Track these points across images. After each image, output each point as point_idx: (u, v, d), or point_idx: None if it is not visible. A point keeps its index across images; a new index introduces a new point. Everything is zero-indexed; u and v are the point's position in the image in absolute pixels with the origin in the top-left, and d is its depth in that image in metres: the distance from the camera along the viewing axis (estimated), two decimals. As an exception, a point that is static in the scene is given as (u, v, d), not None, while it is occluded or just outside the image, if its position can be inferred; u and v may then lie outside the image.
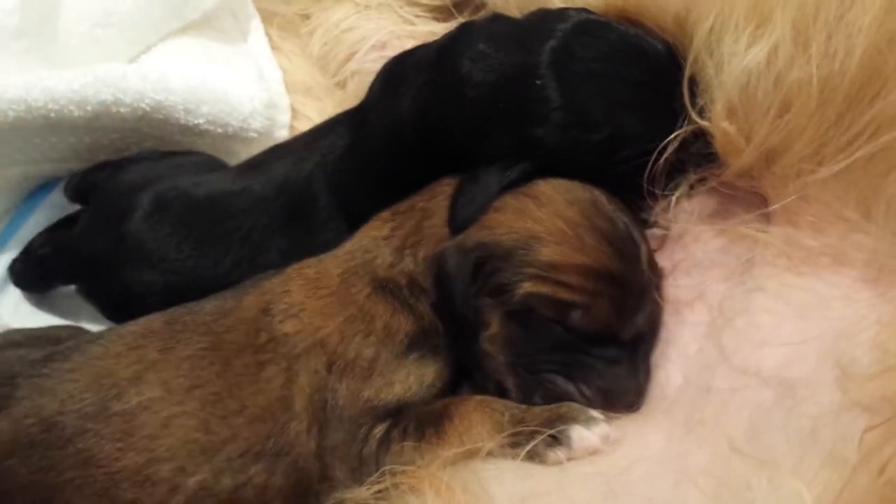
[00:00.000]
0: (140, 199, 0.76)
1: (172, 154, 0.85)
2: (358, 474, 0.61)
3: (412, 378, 0.64)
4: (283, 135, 0.90)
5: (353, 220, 0.72)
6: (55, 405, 0.62)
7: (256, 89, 0.88)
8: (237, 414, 0.62)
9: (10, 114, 0.78)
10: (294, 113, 0.92)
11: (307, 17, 0.98)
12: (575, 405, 0.59)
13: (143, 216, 0.75)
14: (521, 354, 0.63)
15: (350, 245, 0.70)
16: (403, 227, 0.68)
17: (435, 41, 0.72)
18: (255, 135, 0.87)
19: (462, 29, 0.70)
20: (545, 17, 0.68)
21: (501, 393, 0.64)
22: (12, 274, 0.82)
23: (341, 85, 0.91)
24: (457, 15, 0.90)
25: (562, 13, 0.67)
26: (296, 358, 0.64)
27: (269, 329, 0.65)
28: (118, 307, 0.74)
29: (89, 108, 0.80)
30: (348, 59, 0.91)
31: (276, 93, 0.91)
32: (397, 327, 0.65)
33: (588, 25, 0.66)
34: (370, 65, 0.88)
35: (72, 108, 0.79)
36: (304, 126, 0.91)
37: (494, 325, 0.63)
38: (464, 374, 0.67)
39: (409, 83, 0.70)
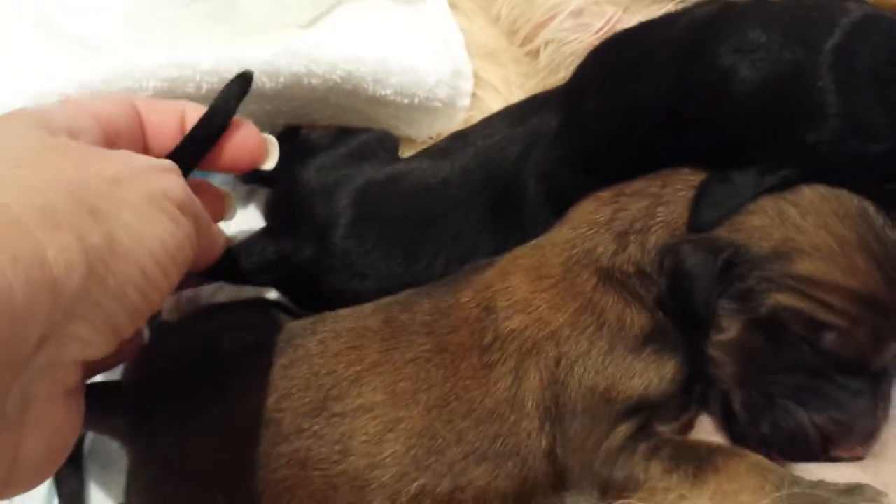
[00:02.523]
0: (339, 205, 0.74)
1: (345, 135, 0.83)
2: (588, 470, 0.59)
3: (651, 372, 0.60)
4: (465, 104, 0.86)
5: (561, 212, 0.68)
6: (272, 400, 0.62)
7: (441, 57, 0.84)
8: (464, 417, 0.61)
9: (204, 86, 0.76)
10: (476, 80, 0.87)
11: (491, -26, 0.89)
12: (870, 486, 0.54)
13: (347, 227, 0.73)
14: (756, 369, 0.60)
15: (567, 231, 0.66)
16: (629, 211, 0.64)
17: (674, 20, 0.66)
18: (439, 104, 0.83)
19: (721, 12, 0.63)
20: (823, 8, 0.60)
21: (726, 408, 0.62)
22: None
23: (533, 54, 0.84)
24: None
25: (842, 5, 0.60)
26: (525, 355, 0.61)
27: (494, 327, 0.63)
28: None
29: (281, 79, 0.78)
30: (543, 25, 0.82)
31: (459, 59, 0.85)
32: (631, 319, 0.61)
33: (873, 22, 0.59)
34: (565, 34, 0.81)
35: (264, 79, 0.77)
36: (486, 94, 0.86)
37: (732, 332, 0.60)
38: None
39: (652, 69, 0.64)
